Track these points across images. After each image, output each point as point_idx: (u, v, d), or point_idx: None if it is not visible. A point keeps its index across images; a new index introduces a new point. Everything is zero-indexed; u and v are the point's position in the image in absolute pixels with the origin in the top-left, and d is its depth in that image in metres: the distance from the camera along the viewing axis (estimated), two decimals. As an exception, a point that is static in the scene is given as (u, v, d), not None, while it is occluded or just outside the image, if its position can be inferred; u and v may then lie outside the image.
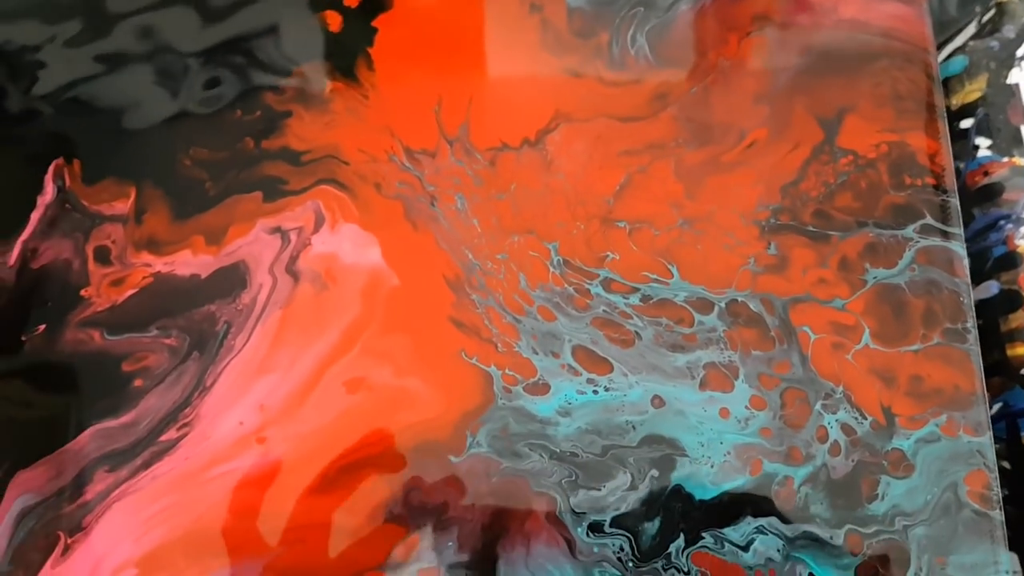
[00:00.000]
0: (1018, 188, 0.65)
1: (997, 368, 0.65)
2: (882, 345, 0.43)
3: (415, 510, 0.40)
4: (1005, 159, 0.67)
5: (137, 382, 0.41)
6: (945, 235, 0.44)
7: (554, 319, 0.42)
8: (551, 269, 0.43)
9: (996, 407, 0.59)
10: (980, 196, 0.63)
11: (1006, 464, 0.55)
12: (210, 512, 0.39)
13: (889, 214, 0.44)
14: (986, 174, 0.67)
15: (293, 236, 0.43)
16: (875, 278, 0.43)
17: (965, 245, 0.44)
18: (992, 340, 0.62)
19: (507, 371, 0.42)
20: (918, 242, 0.44)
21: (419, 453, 0.41)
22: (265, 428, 0.40)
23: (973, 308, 0.43)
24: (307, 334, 0.42)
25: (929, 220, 0.44)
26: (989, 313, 0.65)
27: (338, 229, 0.43)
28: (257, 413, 0.41)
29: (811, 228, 0.44)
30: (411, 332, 0.42)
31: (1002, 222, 0.66)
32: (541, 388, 0.42)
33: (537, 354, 0.42)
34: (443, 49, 0.45)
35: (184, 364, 0.41)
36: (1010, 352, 0.65)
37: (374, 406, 0.41)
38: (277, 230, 0.43)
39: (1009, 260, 0.65)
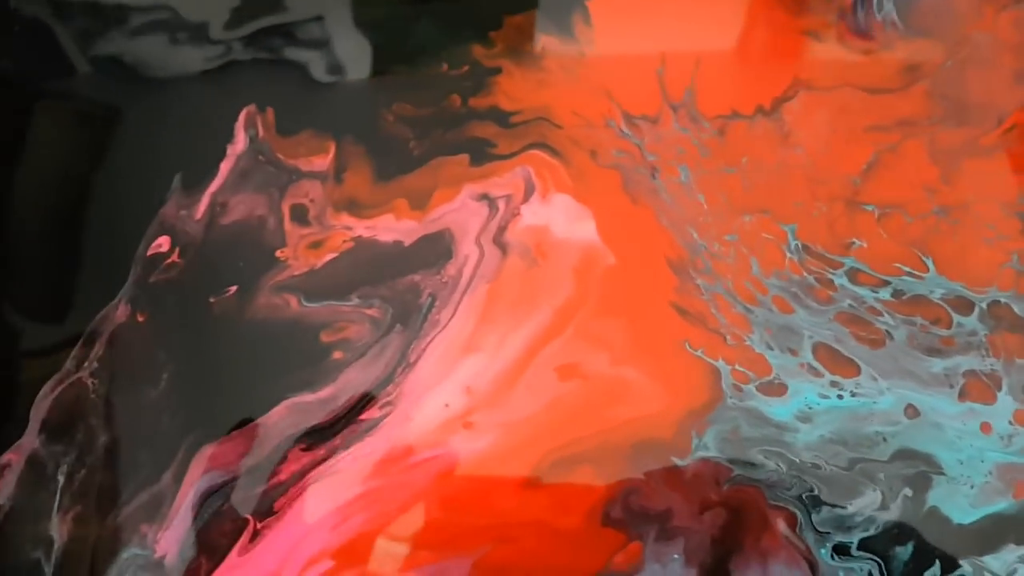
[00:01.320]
0: None
1: None
2: None
3: (635, 515, 0.36)
4: None
5: (336, 354, 0.37)
6: None
7: (792, 311, 0.38)
8: (788, 254, 0.39)
9: None
10: None
11: None
12: (415, 501, 0.36)
13: None
14: None
15: (501, 204, 0.39)
16: None
17: None
18: None
19: (737, 367, 0.37)
20: None
21: (639, 452, 0.36)
22: (472, 412, 0.37)
23: None
24: (516, 312, 0.38)
25: None
26: None
27: (550, 199, 0.39)
28: (464, 395, 0.37)
29: (1084, 226, 0.39)
30: (629, 317, 0.38)
31: None
32: (777, 388, 0.37)
33: (772, 350, 0.38)
34: (668, 4, 0.41)
35: (387, 337, 0.38)
36: None
37: (589, 396, 0.37)
38: (484, 197, 0.40)
39: None
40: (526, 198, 0.40)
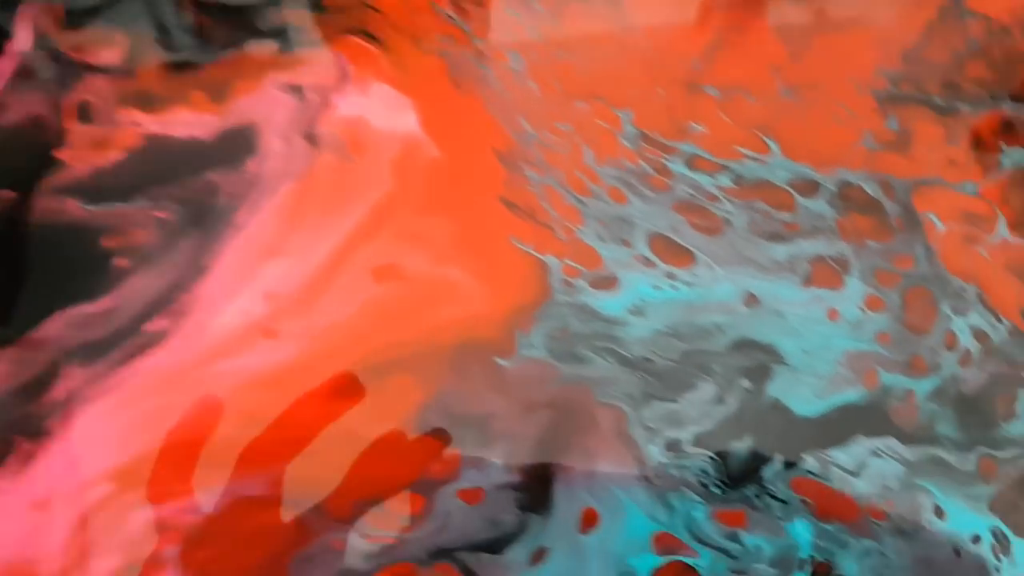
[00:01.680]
0: None
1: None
2: (1022, 237, 0.35)
3: (455, 421, 0.33)
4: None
5: (120, 261, 0.34)
6: (1102, 109, 0.36)
7: (626, 201, 0.35)
8: (623, 142, 0.36)
9: None
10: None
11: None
12: (207, 417, 0.32)
13: (1031, 85, 0.37)
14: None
15: (312, 95, 0.36)
16: (1013, 161, 0.36)
17: None
18: None
19: (568, 261, 0.35)
20: (1068, 117, 0.36)
21: (460, 354, 0.34)
22: (276, 320, 0.33)
23: None
24: (327, 212, 0.35)
25: (1081, 92, 0.36)
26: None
27: (367, 89, 0.36)
28: (266, 302, 0.34)
29: (938, 100, 0.36)
30: (453, 213, 0.35)
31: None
32: (608, 282, 0.34)
33: (604, 242, 0.35)
34: None
35: (178, 242, 0.34)
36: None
37: (407, 298, 0.34)
38: (293, 87, 0.36)
39: None
40: (340, 88, 0.37)
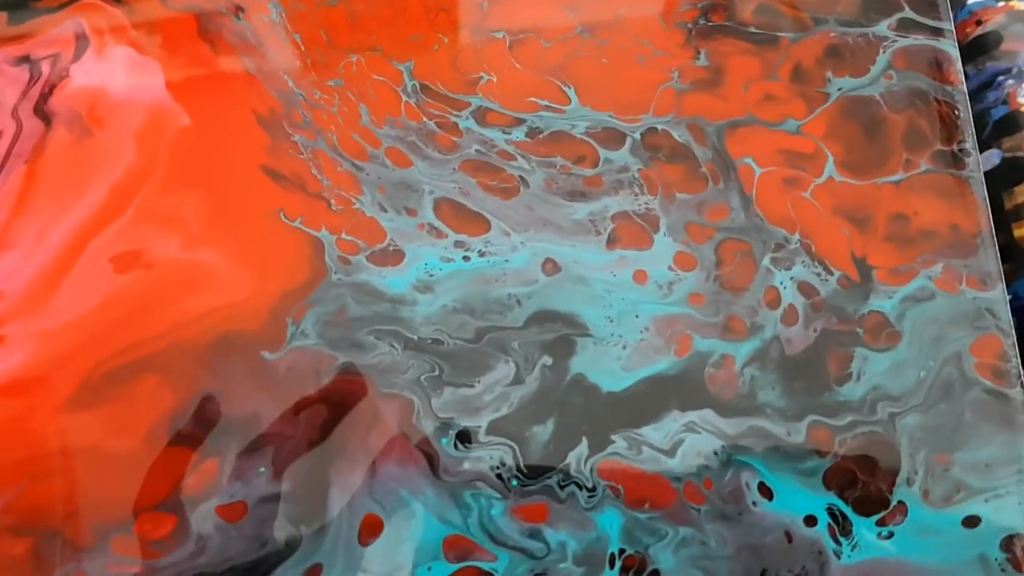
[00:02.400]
0: (1018, 37, 0.54)
1: (1004, 253, 0.55)
2: (852, 176, 0.31)
3: (213, 427, 0.28)
4: (1000, 3, 0.56)
5: None
6: (931, 31, 0.33)
7: (409, 164, 0.31)
8: (404, 98, 0.32)
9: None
10: (973, 50, 0.52)
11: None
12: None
13: (855, 7, 0.33)
14: (979, 23, 0.56)
15: (45, 67, 0.31)
16: (840, 90, 0.32)
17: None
18: (996, 219, 0.50)
19: (344, 235, 0.30)
20: (895, 42, 0.33)
21: (219, 350, 0.29)
22: (3, 323, 0.29)
23: (972, 122, 0.31)
24: (61, 197, 0.30)
25: (909, 13, 0.33)
26: (991, 188, 0.54)
27: (107, 54, 0.31)
28: (-12, 304, 0.29)
29: (753, 30, 0.32)
30: (207, 188, 0.30)
31: (1000, 78, 0.55)
32: (392, 256, 0.30)
33: (386, 212, 0.31)
34: None
35: None
36: (1017, 232, 0.54)
37: (154, 289, 0.30)
38: (25, 60, 0.31)
39: (1011, 122, 0.54)
40: (77, 56, 0.32)
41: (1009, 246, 0.52)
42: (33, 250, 0.30)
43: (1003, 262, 0.50)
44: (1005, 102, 0.52)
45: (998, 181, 0.51)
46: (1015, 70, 0.53)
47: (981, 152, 0.47)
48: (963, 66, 0.47)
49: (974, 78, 0.53)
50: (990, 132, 0.52)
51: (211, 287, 0.30)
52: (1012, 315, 0.47)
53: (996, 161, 0.53)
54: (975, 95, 0.53)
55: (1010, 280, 0.51)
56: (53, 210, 0.31)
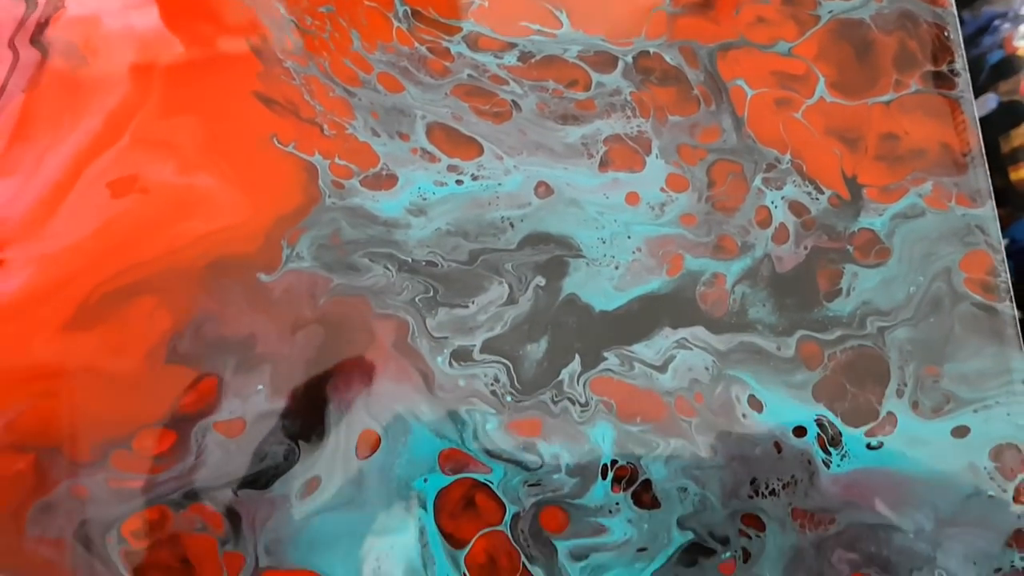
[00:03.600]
0: (1016, -21, 0.54)
1: (1000, 197, 0.55)
2: (842, 97, 0.32)
3: (210, 347, 0.29)
4: (1000, -54, 0.56)
5: None
6: (923, -48, 0.33)
7: (401, 89, 0.31)
8: (395, 23, 0.32)
9: (1003, 243, 0.48)
10: (971, -5, 0.52)
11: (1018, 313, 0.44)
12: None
13: (848, -71, 0.33)
14: (977, -33, 0.56)
15: (39, -2, 0.32)
16: (830, 12, 0.32)
17: None
18: (993, 163, 0.51)
19: (337, 160, 0.31)
20: (887, -37, 0.33)
21: (215, 272, 0.30)
22: (3, 247, 0.29)
23: (962, 44, 0.32)
24: (58, 125, 0.31)
25: (901, -66, 0.33)
26: (988, 133, 0.54)
27: (100, -16, 0.32)
28: (-12, 228, 0.30)
29: (744, -46, 0.33)
30: (201, 114, 0.31)
31: (997, 22, 0.55)
32: (385, 181, 0.31)
33: (379, 136, 0.31)
34: None
35: None
36: (1014, 175, 0.54)
37: (150, 213, 0.30)
38: (16, -10, 0.32)
39: (1008, 66, 0.54)
40: (70, -13, 0.32)
41: (1006, 189, 0.53)
42: (31, 177, 0.31)
43: (999, 206, 0.50)
44: (1001, 47, 0.52)
45: (995, 125, 0.51)
46: (1011, 14, 0.53)
47: (977, 97, 0.48)
48: (959, 11, 0.47)
49: (970, 23, 0.54)
50: (986, 77, 0.53)
51: (206, 211, 0.31)
52: (1009, 259, 0.48)
53: (993, 106, 0.53)
54: (971, 40, 0.53)
55: (1006, 224, 0.51)
56: (50, 138, 0.31)
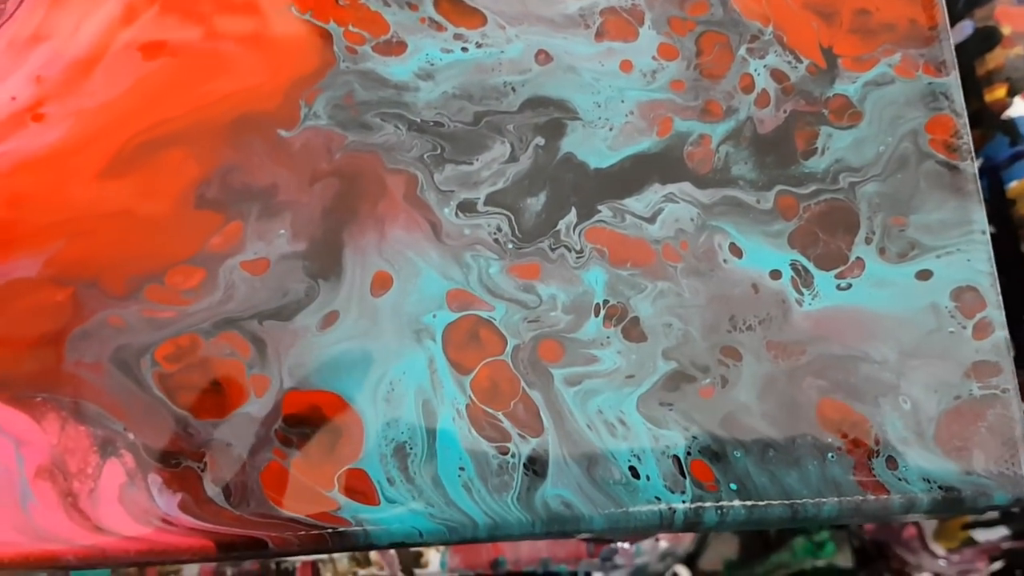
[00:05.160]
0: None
1: (976, 118, 0.58)
2: (821, -24, 0.35)
3: (235, 194, 0.32)
4: None
5: None
6: None
7: (409, -36, 0.34)
8: (403, -96, 0.35)
9: (978, 162, 0.52)
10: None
11: (991, 228, 0.47)
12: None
13: None
14: None
15: None
16: (812, -102, 0.35)
17: None
18: (968, 87, 0.54)
19: (350, 27, 0.34)
20: None
21: (239, 128, 0.33)
22: (43, 103, 0.32)
23: None
24: (92, -9, 0.33)
25: None
26: (964, 57, 0.57)
27: None
28: (33, 85, 0.32)
29: None
30: (225, -16, 0.34)
31: (975, -51, 0.58)
32: (395, 47, 0.34)
33: (389, 7, 0.34)
34: None
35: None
36: (988, 97, 0.57)
37: (178, 73, 0.33)
38: None
39: (983, -7, 0.57)
40: None
41: (980, 111, 0.56)
42: (69, 40, 0.34)
43: (973, 128, 0.53)
44: (977, -26, 0.55)
45: (970, 51, 0.54)
46: (988, -59, 0.56)
47: (953, 25, 0.51)
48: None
49: (951, -50, 0.56)
50: (963, 4, 0.55)
51: (229, 73, 0.34)
52: (981, 177, 0.51)
53: (969, 32, 0.56)
54: (951, -33, 0.56)
55: (980, 144, 0.54)
56: (87, 4, 0.34)
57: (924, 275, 0.32)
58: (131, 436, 0.30)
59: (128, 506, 0.30)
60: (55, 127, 0.33)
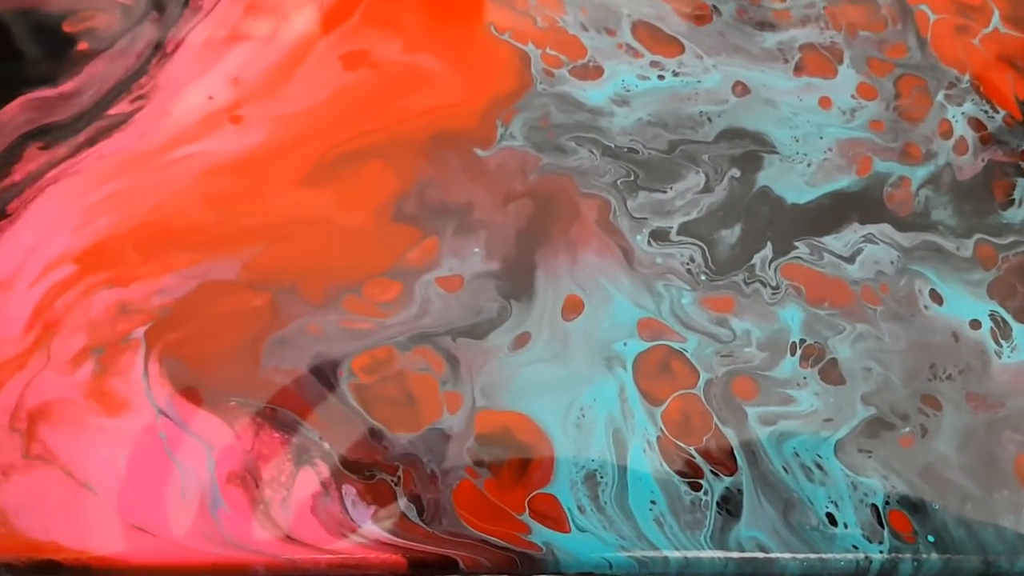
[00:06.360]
0: None
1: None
2: (1014, 29, 0.35)
3: (432, 210, 0.32)
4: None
5: (81, 45, 0.33)
6: None
7: (608, -11, 0.35)
8: (604, -70, 0.35)
9: None
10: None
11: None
12: (172, 201, 0.32)
13: None
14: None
15: None
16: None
17: None
18: None
19: (548, 50, 0.34)
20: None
21: (437, 144, 0.33)
22: (241, 104, 0.33)
23: None
24: (294, -2, 0.34)
25: None
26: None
27: None
28: (231, 86, 0.33)
29: None
30: (425, 0, 0.34)
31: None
32: (592, 72, 0.34)
33: (587, 31, 0.34)
34: None
35: (139, 27, 0.33)
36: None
37: (379, 86, 0.34)
38: None
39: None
40: None
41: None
42: (268, 43, 0.34)
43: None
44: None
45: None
46: None
47: None
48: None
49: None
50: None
51: (428, 88, 0.34)
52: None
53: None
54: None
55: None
56: (286, 8, 0.35)
57: None
58: (326, 445, 0.30)
59: (321, 516, 0.30)
60: (254, 130, 0.33)
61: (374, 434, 0.30)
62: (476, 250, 0.33)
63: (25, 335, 0.30)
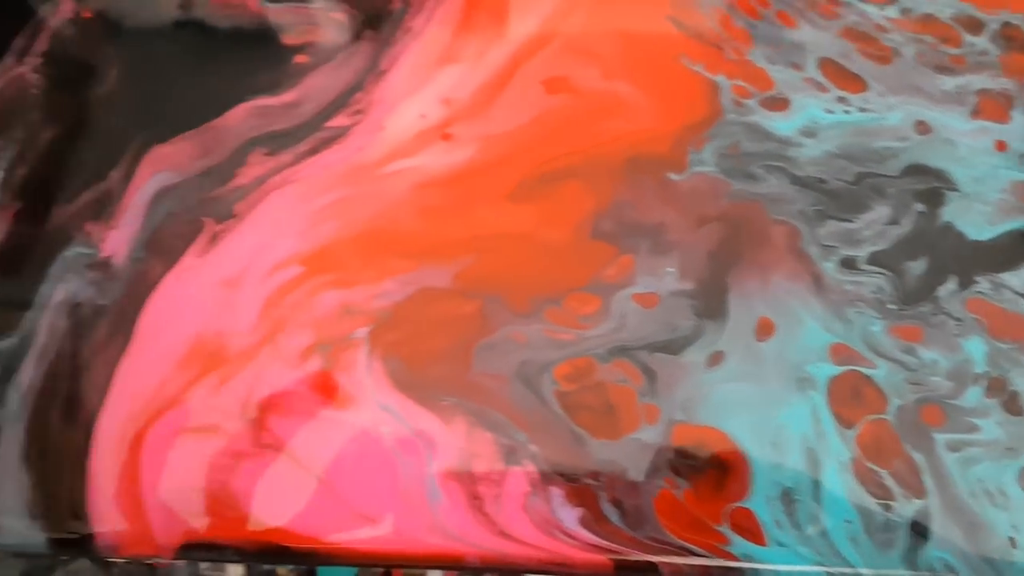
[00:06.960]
0: None
1: None
2: None
3: (627, 228, 0.34)
4: None
5: (299, 58, 0.35)
6: None
7: (795, 26, 0.36)
8: (789, -28, 0.37)
9: None
10: None
11: None
12: (389, 211, 0.34)
13: None
14: None
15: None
16: None
17: None
18: None
19: (738, 81, 0.36)
20: None
21: (632, 167, 0.35)
22: (451, 123, 0.35)
23: None
24: (498, 21, 0.36)
25: None
26: None
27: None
28: (442, 106, 0.35)
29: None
30: (622, 29, 0.36)
31: None
32: (779, 103, 0.36)
33: (775, 64, 0.36)
34: None
35: (355, 43, 0.36)
36: None
37: (578, 110, 0.36)
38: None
39: None
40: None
41: None
42: (475, 65, 0.36)
43: None
44: None
45: None
46: None
47: None
48: None
49: None
50: None
51: (624, 114, 0.36)
52: None
53: None
54: None
55: None
56: (491, 32, 0.37)
57: None
58: (533, 447, 0.32)
59: (532, 514, 0.31)
60: (463, 148, 0.35)
61: (577, 439, 0.32)
62: (670, 269, 0.34)
63: (255, 330, 0.32)
